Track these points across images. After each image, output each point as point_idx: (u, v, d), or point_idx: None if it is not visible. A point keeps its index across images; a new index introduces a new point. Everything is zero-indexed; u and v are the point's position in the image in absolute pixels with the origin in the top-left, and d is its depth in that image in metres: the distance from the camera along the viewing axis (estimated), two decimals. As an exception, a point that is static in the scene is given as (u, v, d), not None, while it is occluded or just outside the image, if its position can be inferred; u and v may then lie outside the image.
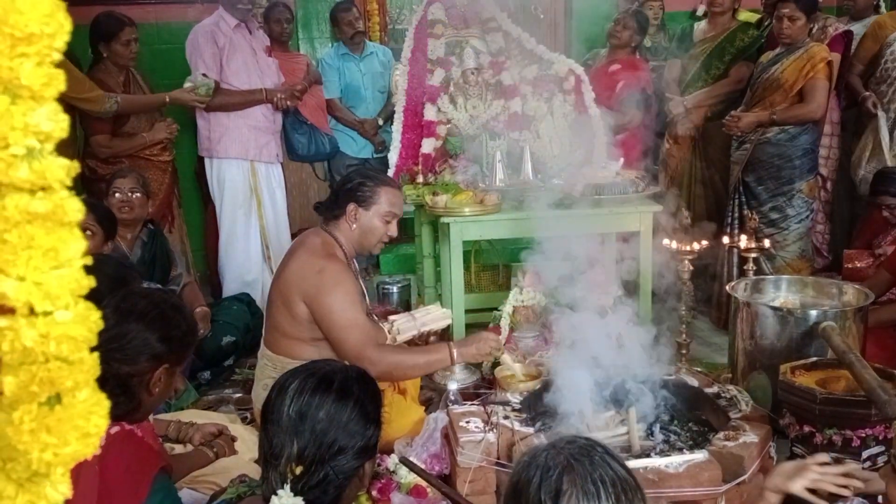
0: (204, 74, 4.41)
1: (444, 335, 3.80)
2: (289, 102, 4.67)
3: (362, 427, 1.64)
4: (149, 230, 3.95)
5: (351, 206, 2.90)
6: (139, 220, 3.90)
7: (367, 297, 3.14)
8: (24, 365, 0.71)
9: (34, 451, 0.71)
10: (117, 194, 3.80)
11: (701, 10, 5.68)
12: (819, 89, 4.25)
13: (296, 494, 1.55)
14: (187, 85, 4.43)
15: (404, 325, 3.20)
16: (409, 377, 2.99)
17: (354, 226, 2.92)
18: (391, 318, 3.30)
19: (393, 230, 2.99)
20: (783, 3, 4.19)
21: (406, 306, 4.48)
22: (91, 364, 0.74)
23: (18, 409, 0.71)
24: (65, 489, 0.73)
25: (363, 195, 2.91)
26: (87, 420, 0.73)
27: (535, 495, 1.27)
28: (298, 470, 1.58)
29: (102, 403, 0.75)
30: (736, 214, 4.47)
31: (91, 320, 0.73)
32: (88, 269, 0.76)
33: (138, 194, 3.85)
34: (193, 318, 2.10)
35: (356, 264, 3.18)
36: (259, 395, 2.98)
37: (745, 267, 3.72)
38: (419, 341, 3.26)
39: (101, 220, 3.36)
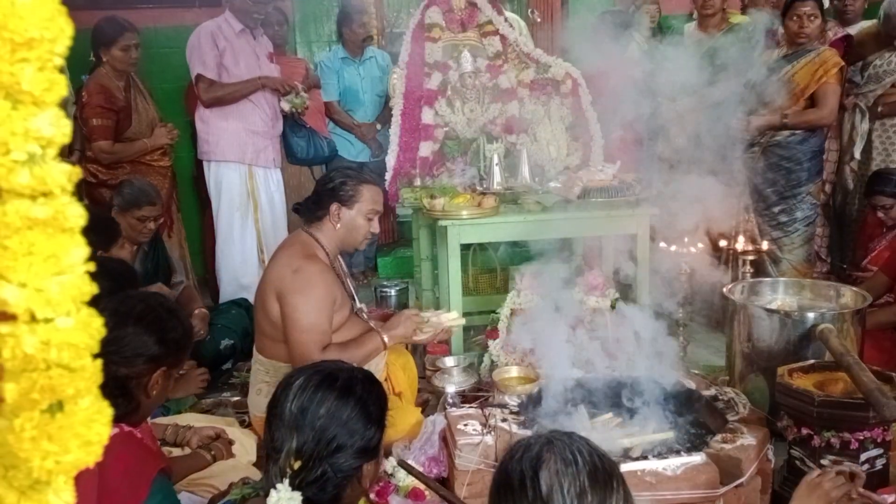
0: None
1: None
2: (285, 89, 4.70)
3: (362, 426, 1.65)
4: (150, 240, 3.97)
5: (334, 206, 2.91)
6: None
7: (356, 299, 3.14)
8: (25, 372, 0.71)
9: (35, 458, 0.70)
10: (147, 223, 3.83)
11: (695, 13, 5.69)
12: (831, 94, 4.28)
13: (294, 489, 1.57)
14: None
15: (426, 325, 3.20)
16: None
17: (339, 225, 2.93)
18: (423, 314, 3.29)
19: (375, 227, 3.02)
20: (802, 2, 4.21)
21: (404, 309, 4.48)
22: (93, 371, 0.74)
23: (20, 416, 0.71)
24: (67, 497, 0.73)
25: (346, 194, 2.92)
26: (89, 428, 0.72)
27: (517, 466, 1.35)
28: (297, 465, 1.60)
29: (105, 411, 0.75)
30: (741, 218, 4.46)
31: (93, 327, 0.73)
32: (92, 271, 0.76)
33: (159, 217, 3.91)
34: (189, 320, 2.11)
35: (343, 264, 3.18)
36: (254, 400, 2.98)
37: (742, 269, 3.73)
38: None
39: (98, 229, 3.35)
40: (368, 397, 1.70)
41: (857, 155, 4.68)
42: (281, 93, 4.68)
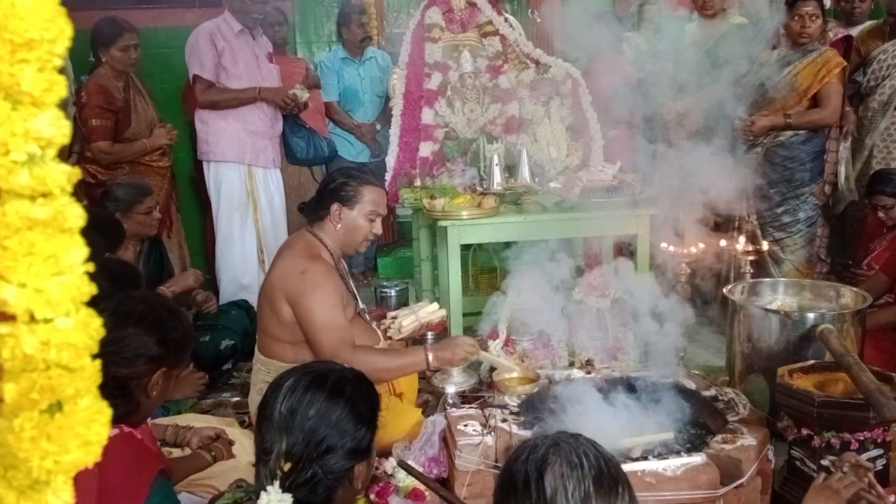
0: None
1: (444, 335, 3.80)
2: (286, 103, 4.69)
3: (353, 427, 1.64)
4: (149, 241, 3.97)
5: (335, 206, 2.91)
6: None
7: (358, 299, 3.15)
8: (24, 372, 0.71)
9: (35, 458, 0.70)
10: (152, 213, 3.85)
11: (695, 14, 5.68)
12: (834, 94, 4.27)
13: (284, 491, 1.56)
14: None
15: (406, 319, 3.20)
16: (383, 380, 2.92)
17: (339, 225, 2.92)
18: (391, 314, 3.31)
19: (377, 228, 3.00)
20: (804, 1, 4.21)
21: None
22: (92, 371, 0.74)
23: (19, 416, 0.71)
24: (66, 497, 0.73)
25: (347, 195, 2.91)
26: (88, 428, 0.72)
27: (522, 467, 1.34)
28: (287, 467, 1.59)
29: (104, 411, 0.75)
30: (743, 218, 4.46)
31: (92, 327, 0.73)
32: (93, 273, 0.76)
33: (157, 204, 3.93)
34: (189, 321, 2.11)
35: (345, 265, 3.19)
36: (254, 399, 2.98)
37: (742, 270, 3.73)
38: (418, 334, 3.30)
39: (104, 231, 3.34)
40: (359, 397, 1.69)
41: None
42: (280, 107, 4.68)
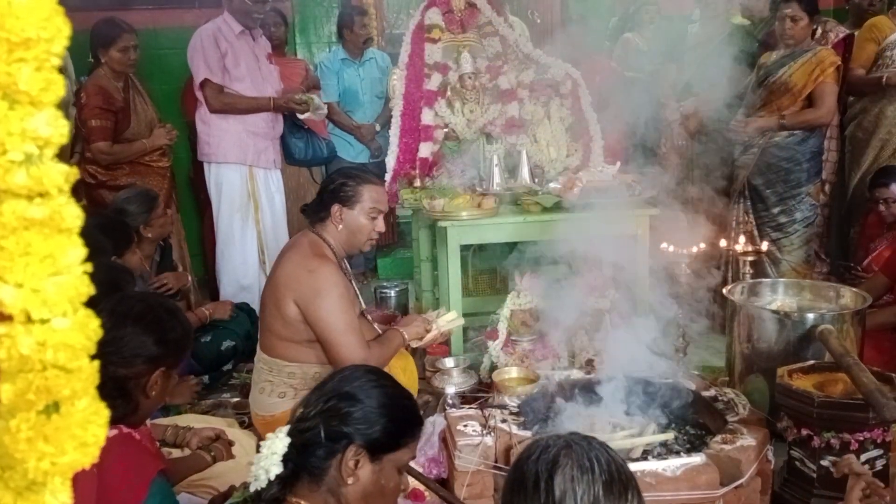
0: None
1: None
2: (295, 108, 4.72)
3: (372, 408, 1.62)
4: (159, 246, 3.98)
5: (335, 207, 2.91)
6: None
7: (360, 299, 3.15)
8: (21, 373, 0.71)
9: (31, 459, 0.70)
10: (167, 213, 3.89)
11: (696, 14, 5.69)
12: (829, 94, 4.24)
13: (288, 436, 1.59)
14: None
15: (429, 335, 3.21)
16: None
17: (341, 226, 2.93)
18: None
19: (380, 226, 3.01)
20: (785, 3, 4.18)
21: (404, 310, 4.48)
22: (90, 372, 0.74)
23: (16, 417, 0.71)
24: (64, 498, 0.73)
25: (346, 195, 2.92)
26: (86, 429, 0.72)
27: (533, 467, 1.34)
28: (300, 411, 1.63)
29: (101, 413, 0.74)
30: (741, 219, 4.46)
31: (90, 328, 0.73)
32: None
33: None
34: (189, 321, 2.11)
35: (347, 265, 3.19)
36: (256, 398, 2.98)
37: (742, 270, 3.73)
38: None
39: (108, 233, 3.32)
40: (395, 396, 1.70)
41: None
42: (298, 112, 4.70)
